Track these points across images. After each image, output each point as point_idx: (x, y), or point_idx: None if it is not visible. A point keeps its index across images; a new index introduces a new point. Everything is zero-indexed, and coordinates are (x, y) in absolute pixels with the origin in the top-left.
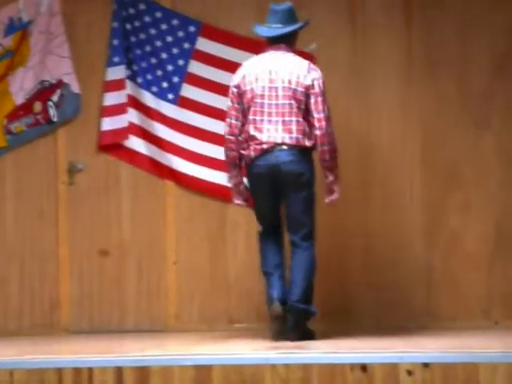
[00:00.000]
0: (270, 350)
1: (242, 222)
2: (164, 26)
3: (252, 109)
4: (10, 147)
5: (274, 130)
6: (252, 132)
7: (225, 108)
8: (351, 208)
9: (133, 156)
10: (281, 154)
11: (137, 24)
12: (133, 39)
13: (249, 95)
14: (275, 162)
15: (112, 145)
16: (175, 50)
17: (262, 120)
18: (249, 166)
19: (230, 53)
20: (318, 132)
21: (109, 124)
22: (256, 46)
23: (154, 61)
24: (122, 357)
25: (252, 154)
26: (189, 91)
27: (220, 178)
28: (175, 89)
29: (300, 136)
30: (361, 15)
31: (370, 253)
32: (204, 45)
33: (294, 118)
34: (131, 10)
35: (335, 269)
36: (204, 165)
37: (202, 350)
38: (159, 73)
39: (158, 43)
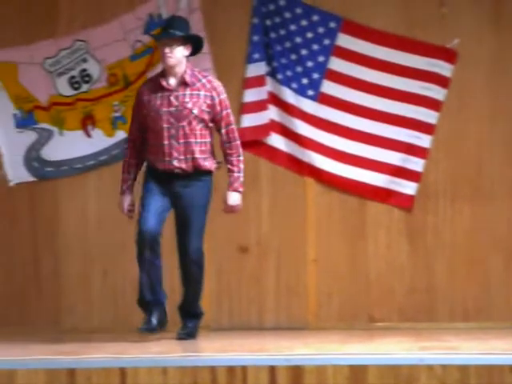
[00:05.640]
0: (424, 351)
1: (383, 218)
2: (304, 22)
3: None
4: None
5: None
6: None
7: (366, 104)
8: None
9: (272, 153)
10: None
11: (277, 20)
12: (273, 35)
13: None
14: None
15: (252, 141)
16: (315, 47)
17: None
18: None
19: (371, 49)
20: None
21: (249, 121)
22: (398, 42)
23: (293, 57)
24: (275, 355)
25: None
26: (329, 87)
27: (360, 174)
28: (315, 85)
29: None
30: (506, 9)
31: None
32: (345, 41)
33: None
34: (271, 6)
35: None
36: (344, 162)
37: (355, 348)
38: (299, 69)
39: (298, 39)
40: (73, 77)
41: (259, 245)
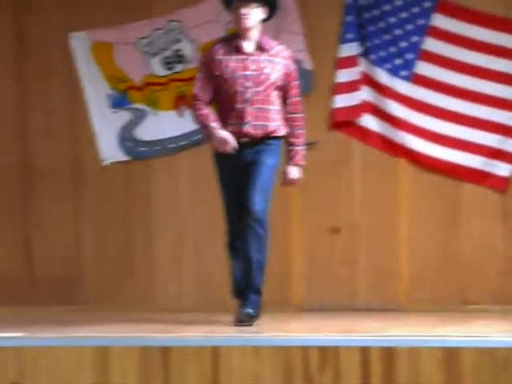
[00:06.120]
0: None
1: (477, 200)
2: (398, 2)
3: None
4: None
5: None
6: None
7: (461, 85)
8: None
9: (365, 134)
10: None
11: (370, 0)
12: (366, 15)
13: None
14: None
15: (344, 122)
16: (409, 27)
17: None
18: None
19: (467, 29)
20: None
21: (341, 101)
22: (495, 23)
23: (387, 37)
24: (367, 336)
25: None
26: (423, 68)
27: (455, 156)
28: (409, 66)
29: None
30: None
31: None
32: (440, 21)
33: None
34: None
35: None
36: (438, 143)
37: (449, 331)
38: (393, 49)
39: (392, 19)
40: (166, 57)
41: (351, 225)
